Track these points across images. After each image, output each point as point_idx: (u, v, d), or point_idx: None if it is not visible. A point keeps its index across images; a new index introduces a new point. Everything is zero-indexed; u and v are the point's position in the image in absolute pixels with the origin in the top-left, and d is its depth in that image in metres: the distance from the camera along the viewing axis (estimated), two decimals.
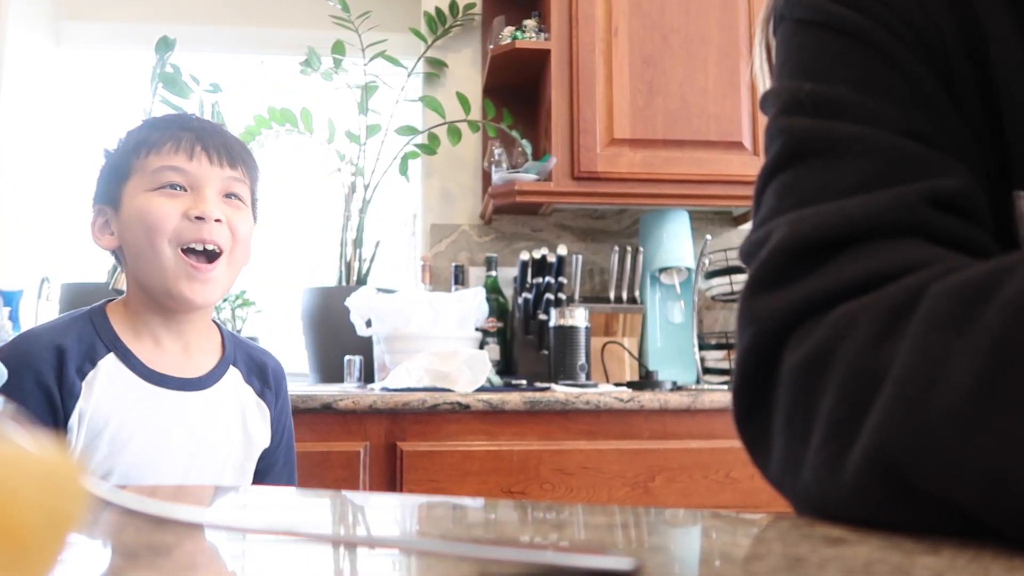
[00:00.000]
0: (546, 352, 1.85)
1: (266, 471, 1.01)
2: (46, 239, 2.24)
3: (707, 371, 1.97)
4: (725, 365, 1.94)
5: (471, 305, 1.74)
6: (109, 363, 0.88)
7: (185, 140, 0.91)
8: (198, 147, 0.91)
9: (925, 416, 0.29)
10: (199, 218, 0.88)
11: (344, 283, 2.04)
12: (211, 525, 0.31)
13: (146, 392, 0.89)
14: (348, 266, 2.05)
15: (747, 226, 2.24)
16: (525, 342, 1.94)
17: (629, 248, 2.05)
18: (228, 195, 0.93)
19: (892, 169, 0.39)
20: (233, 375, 0.98)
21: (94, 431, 0.85)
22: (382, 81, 2.14)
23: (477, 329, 1.82)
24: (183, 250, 0.89)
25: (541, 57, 1.97)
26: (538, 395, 1.49)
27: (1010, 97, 0.42)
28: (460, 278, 2.06)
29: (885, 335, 0.32)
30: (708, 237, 2.01)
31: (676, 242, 2.03)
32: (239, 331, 2.10)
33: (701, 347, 1.97)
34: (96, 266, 2.09)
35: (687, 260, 2.02)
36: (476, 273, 2.15)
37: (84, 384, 0.86)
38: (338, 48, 2.12)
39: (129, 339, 0.91)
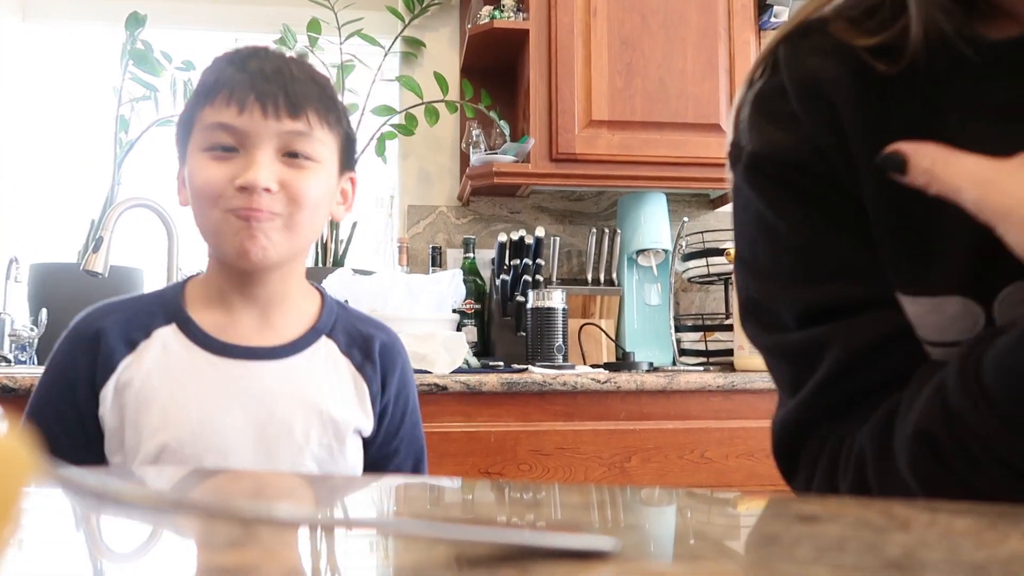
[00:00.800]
0: (523, 334, 1.86)
1: (381, 463, 0.90)
2: (14, 219, 2.19)
3: (683, 352, 1.98)
4: (701, 347, 1.95)
5: (448, 287, 1.74)
6: (166, 333, 0.83)
7: (238, 87, 0.78)
8: (251, 96, 0.77)
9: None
10: (245, 188, 0.77)
11: (321, 264, 2.02)
12: (171, 503, 0.31)
13: (205, 362, 0.82)
14: (325, 247, 2.03)
15: (724, 209, 2.25)
16: (502, 324, 1.95)
17: (607, 230, 2.06)
18: (289, 153, 0.80)
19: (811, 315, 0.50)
20: (325, 345, 0.87)
21: (143, 401, 0.80)
22: (358, 60, 2.12)
23: (454, 311, 1.82)
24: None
25: (519, 37, 1.96)
26: (515, 376, 1.49)
27: (873, 213, 0.49)
28: (437, 260, 2.06)
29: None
30: (685, 219, 2.02)
31: (653, 224, 2.04)
32: None
33: (677, 329, 1.99)
34: (66, 247, 2.05)
35: (664, 242, 2.03)
36: (453, 255, 2.14)
37: (132, 355, 0.81)
38: (313, 26, 2.09)
39: (198, 309, 0.85)
